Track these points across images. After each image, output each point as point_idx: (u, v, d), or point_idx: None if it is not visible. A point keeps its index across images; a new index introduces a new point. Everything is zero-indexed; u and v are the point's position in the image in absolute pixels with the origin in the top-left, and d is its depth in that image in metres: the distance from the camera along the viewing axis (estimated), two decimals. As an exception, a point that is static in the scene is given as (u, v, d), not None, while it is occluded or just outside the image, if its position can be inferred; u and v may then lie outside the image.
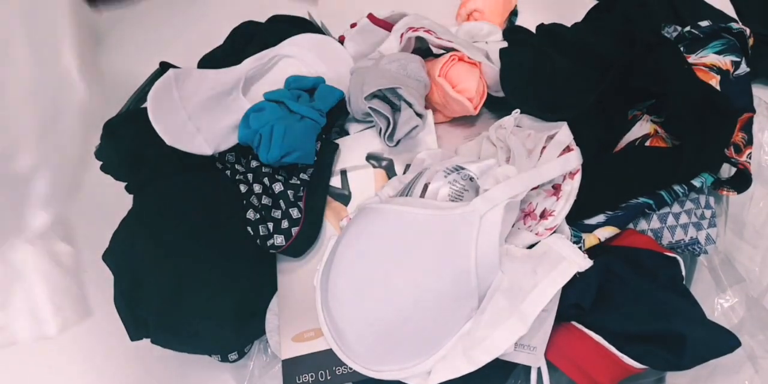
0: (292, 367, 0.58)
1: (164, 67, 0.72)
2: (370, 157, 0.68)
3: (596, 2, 0.77)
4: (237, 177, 0.67)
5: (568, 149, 0.60)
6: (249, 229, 0.63)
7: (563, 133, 0.61)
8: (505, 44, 0.72)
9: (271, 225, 0.63)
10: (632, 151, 0.65)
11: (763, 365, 0.59)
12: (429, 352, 0.53)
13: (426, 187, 0.61)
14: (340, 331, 0.56)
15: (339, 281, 0.55)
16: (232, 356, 0.64)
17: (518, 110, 0.66)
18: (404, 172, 0.67)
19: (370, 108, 0.63)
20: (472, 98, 0.68)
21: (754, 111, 0.65)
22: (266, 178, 0.66)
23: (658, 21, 0.72)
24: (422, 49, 0.75)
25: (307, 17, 0.82)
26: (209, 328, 0.60)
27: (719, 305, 0.62)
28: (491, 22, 0.77)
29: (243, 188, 0.65)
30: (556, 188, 0.60)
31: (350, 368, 0.56)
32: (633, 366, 0.51)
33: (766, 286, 0.64)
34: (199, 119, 0.66)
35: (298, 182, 0.67)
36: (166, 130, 0.65)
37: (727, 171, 0.66)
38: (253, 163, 0.68)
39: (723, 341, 0.50)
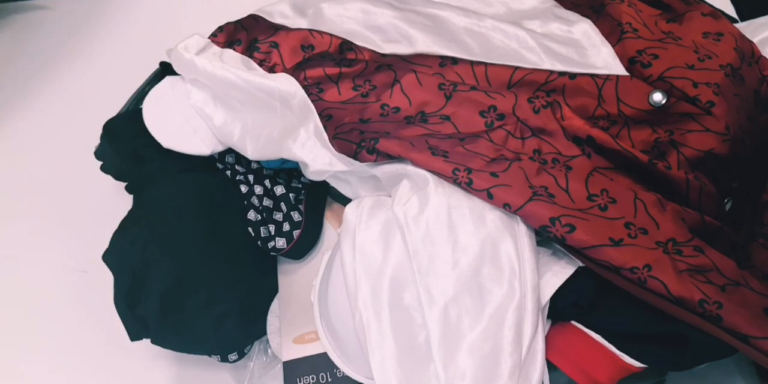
0: (292, 368, 0.59)
1: (163, 66, 0.72)
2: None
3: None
4: (237, 177, 0.67)
5: None
6: (250, 229, 0.63)
7: None
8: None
9: (272, 227, 0.63)
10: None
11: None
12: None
13: None
14: (342, 343, 0.56)
15: (339, 294, 0.55)
16: (232, 356, 0.64)
17: None
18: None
19: None
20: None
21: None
22: (267, 179, 0.66)
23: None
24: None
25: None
26: (209, 329, 0.60)
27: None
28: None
29: (244, 189, 0.65)
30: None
31: (351, 371, 0.57)
32: (633, 365, 0.51)
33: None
34: (197, 120, 0.66)
35: (299, 185, 0.67)
36: (161, 132, 0.66)
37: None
38: (254, 165, 0.68)
39: (725, 344, 0.50)
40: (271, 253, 0.64)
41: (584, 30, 0.63)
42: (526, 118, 0.58)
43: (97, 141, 0.71)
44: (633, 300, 0.51)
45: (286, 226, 0.64)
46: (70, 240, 0.79)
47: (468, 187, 0.52)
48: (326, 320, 0.58)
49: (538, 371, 0.50)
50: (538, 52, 0.61)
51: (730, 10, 0.83)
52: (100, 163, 0.71)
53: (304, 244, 0.65)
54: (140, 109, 0.68)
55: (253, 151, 0.64)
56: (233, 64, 0.64)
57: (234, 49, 0.67)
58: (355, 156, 0.57)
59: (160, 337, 0.61)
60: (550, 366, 0.52)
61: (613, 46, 0.61)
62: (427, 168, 0.53)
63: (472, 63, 0.62)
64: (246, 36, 0.68)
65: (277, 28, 0.68)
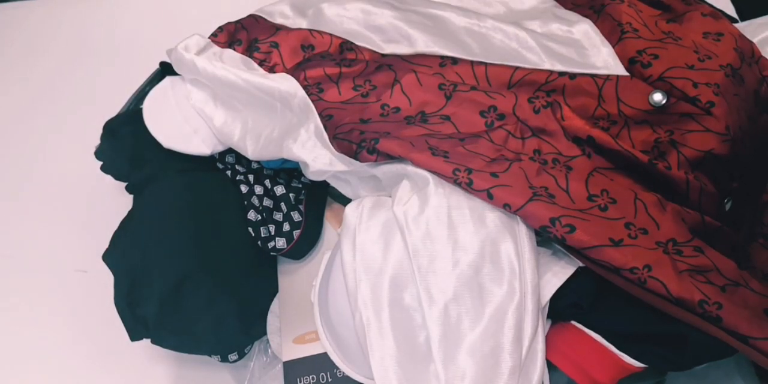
0: (293, 368, 0.59)
1: (163, 66, 0.72)
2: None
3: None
4: (237, 177, 0.67)
5: None
6: (250, 230, 0.63)
7: None
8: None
9: (272, 227, 0.63)
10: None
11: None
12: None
13: None
14: (342, 343, 0.56)
15: (339, 294, 0.55)
16: (232, 356, 0.64)
17: None
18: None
19: None
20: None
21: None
22: (267, 179, 0.66)
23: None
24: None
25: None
26: (209, 329, 0.60)
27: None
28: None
29: (244, 189, 0.65)
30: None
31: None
32: (632, 365, 0.51)
33: None
34: (197, 120, 0.67)
35: (300, 185, 0.67)
36: (161, 132, 0.66)
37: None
38: (254, 165, 0.68)
39: (725, 344, 0.50)
40: (271, 253, 0.64)
41: (584, 30, 0.63)
42: (526, 118, 0.58)
43: (97, 141, 0.71)
44: (633, 300, 0.51)
45: (286, 226, 0.64)
46: (70, 240, 0.79)
47: (468, 187, 0.52)
48: (326, 320, 0.58)
49: (538, 371, 0.50)
50: (538, 52, 0.61)
51: (730, 10, 0.83)
52: (100, 163, 0.71)
53: (304, 244, 0.65)
54: (140, 109, 0.68)
55: (253, 151, 0.64)
56: (233, 64, 0.64)
57: (234, 49, 0.67)
58: (355, 156, 0.57)
59: (160, 337, 0.61)
60: (550, 366, 0.52)
61: (613, 46, 0.61)
62: (428, 168, 0.53)
63: (472, 63, 0.62)
64: (246, 36, 0.68)
65: (278, 28, 0.69)
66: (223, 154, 0.69)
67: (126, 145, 0.68)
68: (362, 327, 0.51)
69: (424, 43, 0.64)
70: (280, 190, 0.65)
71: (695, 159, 0.56)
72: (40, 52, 0.99)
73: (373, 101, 0.61)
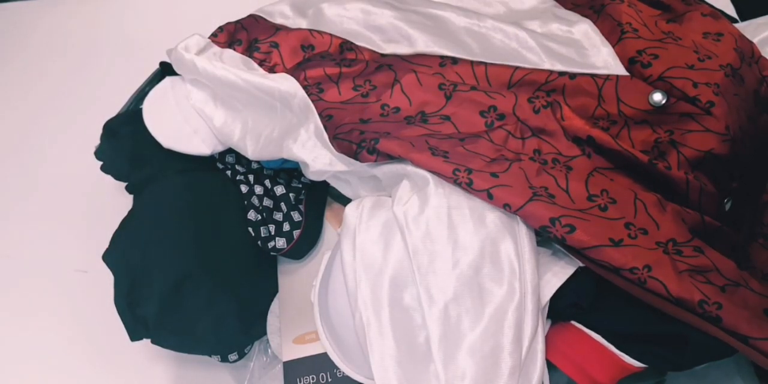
0: (293, 369, 0.59)
1: (163, 66, 0.73)
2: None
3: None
4: (237, 177, 0.67)
5: None
6: (250, 230, 0.63)
7: None
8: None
9: (272, 227, 0.63)
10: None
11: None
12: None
13: None
14: (342, 343, 0.56)
15: (339, 294, 0.55)
16: (232, 357, 0.64)
17: None
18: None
19: None
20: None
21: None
22: (267, 179, 0.66)
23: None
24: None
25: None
26: (209, 329, 0.60)
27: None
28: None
29: (244, 189, 0.65)
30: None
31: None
32: (633, 365, 0.51)
33: None
34: (197, 120, 0.67)
35: (300, 185, 0.67)
36: (161, 132, 0.66)
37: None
38: (254, 165, 0.68)
39: (725, 344, 0.50)
40: (271, 253, 0.64)
41: (584, 30, 0.63)
42: (526, 118, 0.58)
43: (97, 141, 0.71)
44: (633, 300, 0.51)
45: (286, 226, 0.64)
46: (70, 240, 0.79)
47: (468, 187, 0.52)
48: (326, 320, 0.58)
49: (538, 371, 0.50)
50: (538, 52, 0.61)
51: (730, 10, 0.83)
52: (100, 163, 0.71)
53: (304, 244, 0.65)
54: (140, 109, 0.68)
55: (253, 151, 0.64)
56: (233, 64, 0.64)
57: (234, 49, 0.67)
58: (355, 156, 0.57)
59: (160, 337, 0.61)
60: (550, 366, 0.52)
61: (613, 46, 0.61)
62: (428, 168, 0.53)
63: (472, 63, 0.62)
64: (246, 36, 0.68)
65: (278, 28, 0.69)
66: (223, 154, 0.69)
67: (126, 145, 0.68)
68: (362, 327, 0.51)
69: (424, 43, 0.64)
70: (280, 190, 0.65)
71: (695, 159, 0.56)
72: (37, 52, 0.99)
73: (373, 101, 0.61)
